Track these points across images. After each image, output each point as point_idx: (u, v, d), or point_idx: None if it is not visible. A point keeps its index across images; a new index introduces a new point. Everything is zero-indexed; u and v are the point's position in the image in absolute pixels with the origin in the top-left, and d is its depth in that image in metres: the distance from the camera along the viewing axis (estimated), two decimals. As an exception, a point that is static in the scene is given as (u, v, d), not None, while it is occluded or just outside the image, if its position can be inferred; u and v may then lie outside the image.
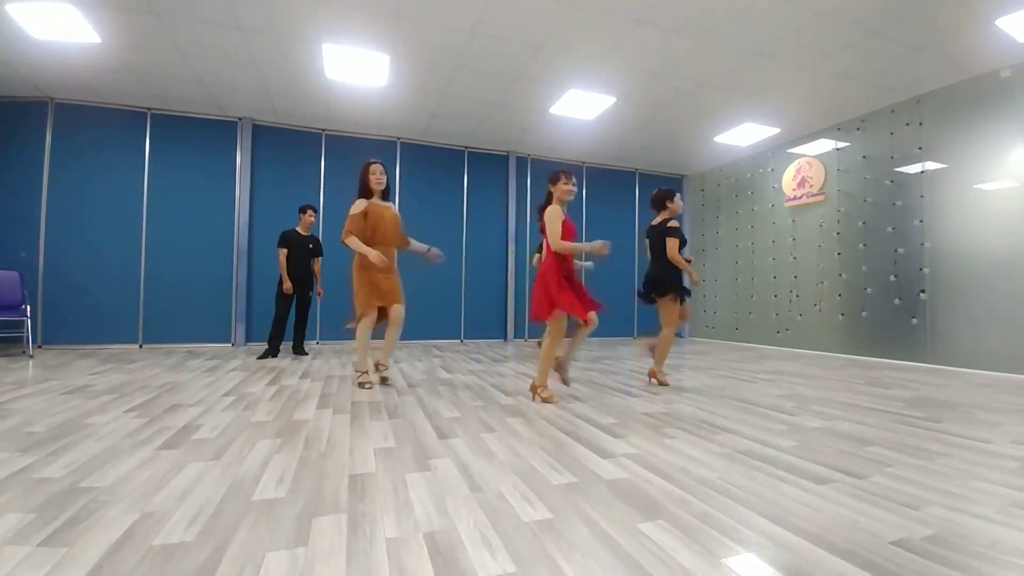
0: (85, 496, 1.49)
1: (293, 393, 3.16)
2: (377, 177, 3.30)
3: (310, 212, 5.08)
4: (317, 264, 5.20)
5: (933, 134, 4.92)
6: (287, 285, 4.92)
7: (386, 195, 3.43)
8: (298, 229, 5.09)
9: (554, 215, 2.96)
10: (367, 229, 3.24)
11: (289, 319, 5.09)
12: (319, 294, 5.23)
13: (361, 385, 3.31)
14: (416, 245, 3.51)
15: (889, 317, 5.25)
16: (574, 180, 3.04)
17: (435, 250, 3.49)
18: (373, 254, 3.14)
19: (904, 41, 4.05)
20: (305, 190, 6.26)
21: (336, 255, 6.34)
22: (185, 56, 4.49)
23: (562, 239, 2.92)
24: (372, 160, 3.35)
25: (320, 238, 6.28)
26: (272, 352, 4.95)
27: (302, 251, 5.05)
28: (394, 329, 3.36)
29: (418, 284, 6.72)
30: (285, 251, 4.96)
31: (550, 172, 3.10)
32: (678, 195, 3.73)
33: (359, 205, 3.25)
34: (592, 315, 2.93)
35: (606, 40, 4.15)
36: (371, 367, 3.42)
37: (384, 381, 3.46)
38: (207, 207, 5.91)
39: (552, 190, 3.04)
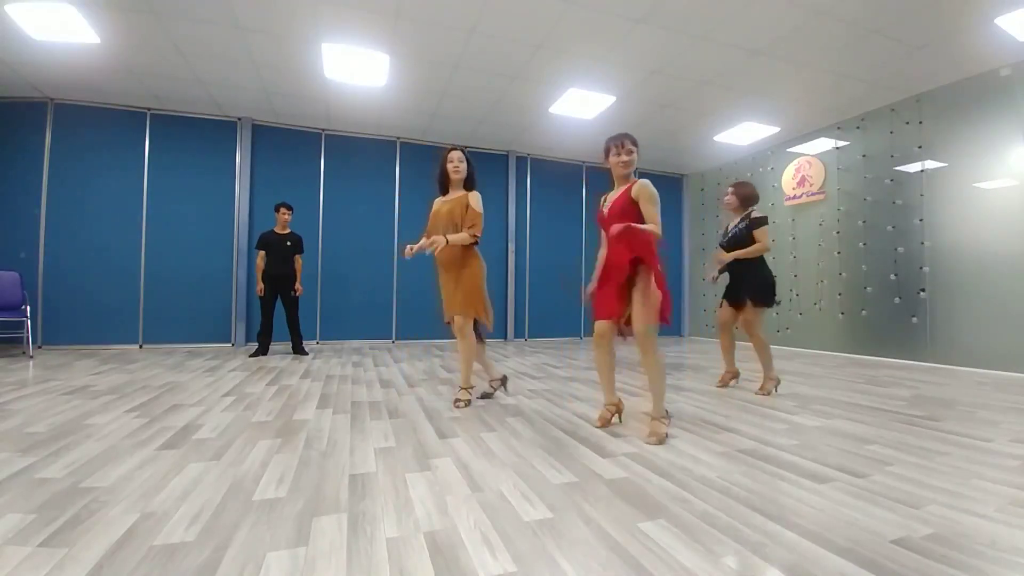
0: (86, 496, 1.49)
1: (293, 393, 3.16)
2: (454, 165, 2.83)
3: (283, 210, 5.10)
4: (298, 262, 5.19)
5: (933, 133, 4.92)
6: (260, 287, 5.00)
7: (470, 184, 2.92)
8: (275, 229, 5.11)
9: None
10: (430, 227, 2.83)
11: (281, 320, 5.11)
12: (298, 291, 5.16)
13: (455, 403, 2.80)
14: (456, 239, 2.80)
15: (889, 316, 5.25)
16: (627, 147, 2.35)
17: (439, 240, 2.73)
18: (417, 245, 2.74)
19: (904, 40, 4.05)
20: (305, 190, 6.26)
21: (336, 256, 6.38)
22: (184, 56, 4.48)
23: (605, 229, 2.35)
24: (451, 147, 2.94)
25: (320, 238, 6.32)
26: (261, 350, 4.99)
27: (280, 251, 5.06)
28: (459, 341, 2.79)
29: (417, 284, 6.74)
30: (262, 253, 5.02)
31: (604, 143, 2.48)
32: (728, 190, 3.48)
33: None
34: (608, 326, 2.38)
35: (606, 39, 4.15)
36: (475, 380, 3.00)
37: (455, 404, 2.82)
38: (207, 207, 5.91)
39: (608, 165, 2.45)
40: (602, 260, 2.45)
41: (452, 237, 2.70)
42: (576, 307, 7.63)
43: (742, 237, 3.30)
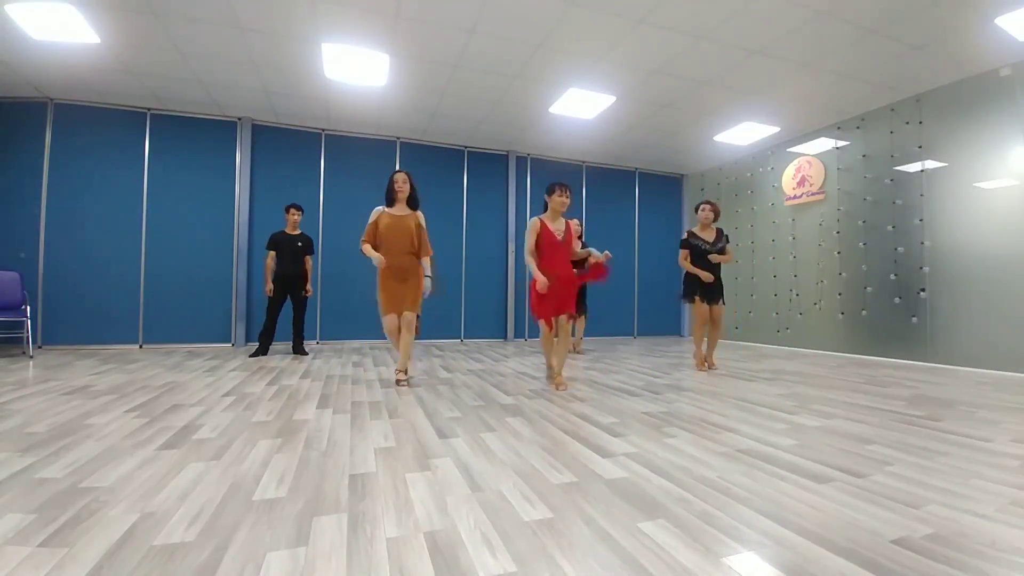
0: (86, 496, 1.49)
1: (293, 393, 3.16)
2: (399, 185, 3.44)
3: (293, 211, 5.12)
4: (308, 263, 5.20)
5: (933, 133, 4.92)
6: (268, 287, 5.00)
7: (412, 202, 3.52)
8: (286, 230, 5.13)
9: (530, 227, 3.37)
10: (378, 237, 3.42)
11: (286, 319, 5.11)
12: (307, 292, 5.20)
13: (397, 383, 3.44)
14: (425, 267, 3.55)
15: (889, 316, 5.25)
16: (568, 193, 3.35)
17: (426, 283, 3.53)
18: (374, 257, 3.33)
19: (904, 40, 4.05)
20: (305, 190, 6.26)
21: (336, 256, 6.38)
22: (184, 56, 4.48)
23: (536, 248, 3.35)
24: (397, 170, 3.56)
25: (320, 238, 6.32)
26: (262, 350, 5.00)
27: (291, 251, 5.07)
28: (406, 333, 3.46)
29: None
30: (272, 253, 5.03)
31: (548, 185, 3.42)
32: (700, 207, 4.36)
33: (373, 214, 3.47)
34: (561, 319, 3.39)
35: (606, 39, 4.15)
36: (408, 367, 3.55)
37: (399, 383, 3.47)
38: (207, 207, 5.91)
39: (547, 200, 3.37)
40: (544, 272, 3.28)
41: (427, 272, 3.52)
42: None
43: (723, 250, 4.27)
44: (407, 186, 3.48)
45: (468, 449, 2.04)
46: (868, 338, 5.48)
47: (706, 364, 4.42)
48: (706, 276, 4.19)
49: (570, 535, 1.31)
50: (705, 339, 4.44)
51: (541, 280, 3.24)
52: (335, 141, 6.48)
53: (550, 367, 3.54)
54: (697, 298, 4.27)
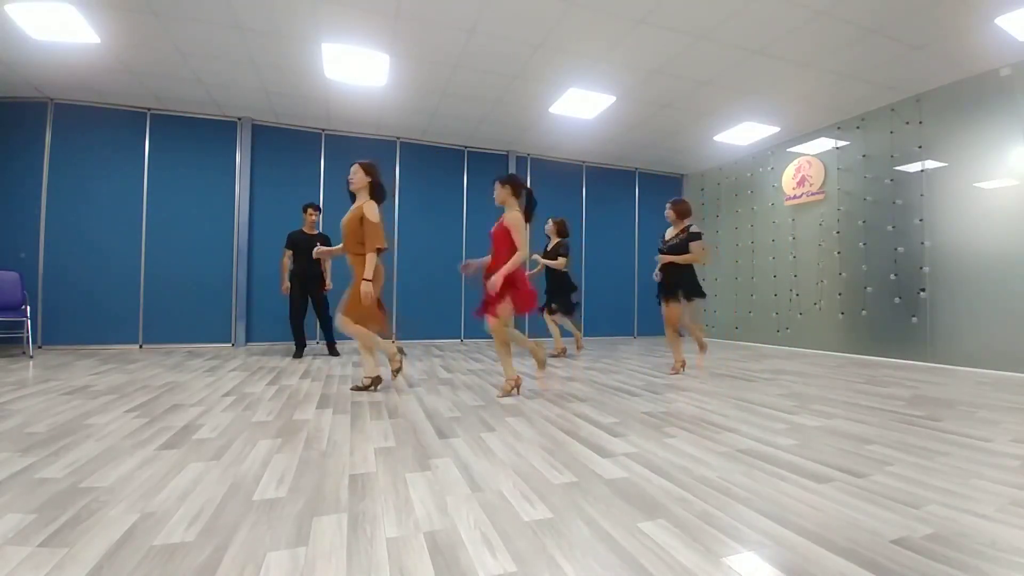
0: (86, 496, 1.49)
1: (293, 393, 3.17)
2: (350, 176, 3.19)
3: (311, 211, 5.11)
4: (327, 263, 5.19)
5: (933, 133, 4.91)
6: (285, 286, 4.99)
7: (376, 193, 3.23)
8: (304, 229, 5.11)
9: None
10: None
11: (306, 320, 5.12)
12: (328, 287, 5.19)
13: (364, 388, 3.29)
14: (369, 266, 3.13)
15: (889, 316, 5.25)
16: (499, 185, 3.36)
17: (364, 286, 3.06)
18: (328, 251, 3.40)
19: (904, 39, 4.05)
20: (305, 190, 6.25)
21: (335, 256, 6.37)
22: (184, 56, 4.48)
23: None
24: (353, 162, 3.24)
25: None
26: (299, 352, 5.00)
27: (309, 251, 5.04)
28: (357, 338, 3.19)
29: (419, 284, 6.75)
30: (290, 252, 5.01)
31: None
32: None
33: None
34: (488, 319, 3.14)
35: (606, 39, 4.15)
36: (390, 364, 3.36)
37: (366, 388, 3.25)
38: (207, 207, 5.91)
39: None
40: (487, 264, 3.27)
41: (367, 271, 3.08)
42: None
43: (681, 246, 4.01)
44: (357, 176, 3.16)
45: (468, 449, 2.04)
46: (868, 338, 5.48)
47: (679, 368, 4.17)
48: (655, 275, 4.16)
49: (570, 535, 1.31)
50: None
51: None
52: (335, 141, 6.48)
53: (508, 376, 3.18)
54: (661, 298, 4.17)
